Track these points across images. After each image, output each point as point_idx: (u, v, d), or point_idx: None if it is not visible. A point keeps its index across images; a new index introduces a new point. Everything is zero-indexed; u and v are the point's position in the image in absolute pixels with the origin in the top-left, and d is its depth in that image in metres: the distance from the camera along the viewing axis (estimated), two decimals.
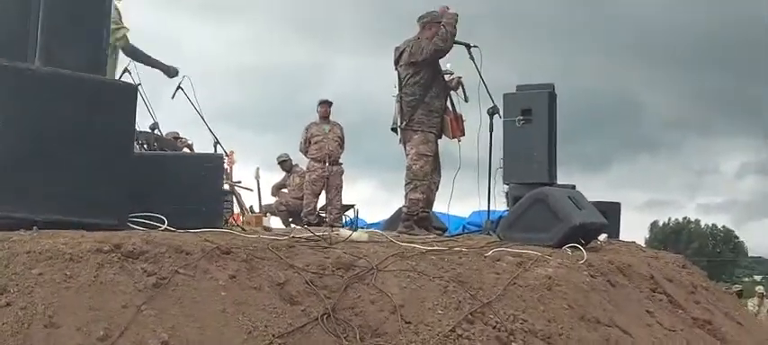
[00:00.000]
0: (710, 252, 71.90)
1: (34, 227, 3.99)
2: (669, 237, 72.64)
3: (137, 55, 7.19)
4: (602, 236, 7.90)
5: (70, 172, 4.15)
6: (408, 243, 5.33)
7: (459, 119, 7.77)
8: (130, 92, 4.46)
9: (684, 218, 74.84)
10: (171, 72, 7.50)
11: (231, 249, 4.18)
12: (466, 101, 7.97)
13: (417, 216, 7.57)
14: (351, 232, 5.14)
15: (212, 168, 5.01)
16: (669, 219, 74.92)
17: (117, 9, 7.07)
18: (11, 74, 4.05)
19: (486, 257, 5.24)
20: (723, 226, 76.03)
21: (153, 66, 7.32)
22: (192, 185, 4.90)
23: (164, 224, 4.57)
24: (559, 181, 9.59)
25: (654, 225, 74.95)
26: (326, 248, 4.73)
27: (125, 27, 7.12)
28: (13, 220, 4.00)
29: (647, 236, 73.36)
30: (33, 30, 4.26)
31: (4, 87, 4.04)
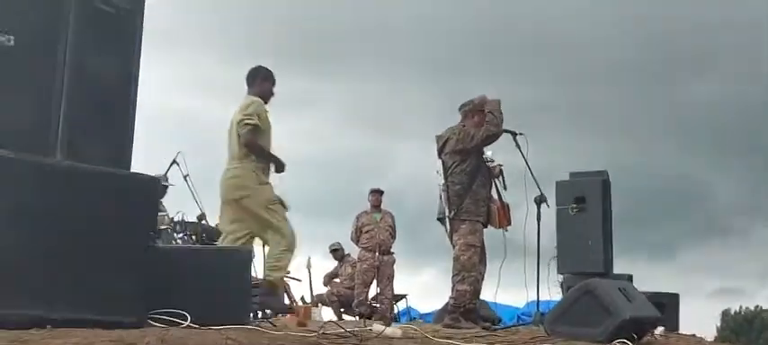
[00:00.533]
0: None
1: (48, 326, 3.87)
2: (742, 326, 70.56)
3: (253, 147, 6.98)
4: (659, 329, 7.57)
5: (87, 269, 4.04)
6: (445, 339, 5.09)
7: (505, 208, 7.59)
8: (152, 184, 4.38)
9: (756, 306, 72.64)
10: (280, 166, 7.23)
11: None
12: (505, 189, 7.79)
13: (464, 308, 7.34)
14: (384, 327, 4.93)
15: (241, 261, 4.87)
16: (741, 308, 72.78)
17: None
18: (30, 168, 3.98)
19: None
20: None
21: (267, 160, 7.09)
22: (219, 279, 4.76)
23: (186, 320, 4.42)
24: (619, 270, 9.34)
25: (725, 313, 72.87)
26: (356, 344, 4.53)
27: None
28: (27, 318, 3.89)
29: (719, 325, 71.43)
30: (55, 122, 4.21)
31: (24, 182, 3.96)
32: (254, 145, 6.94)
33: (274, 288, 7.06)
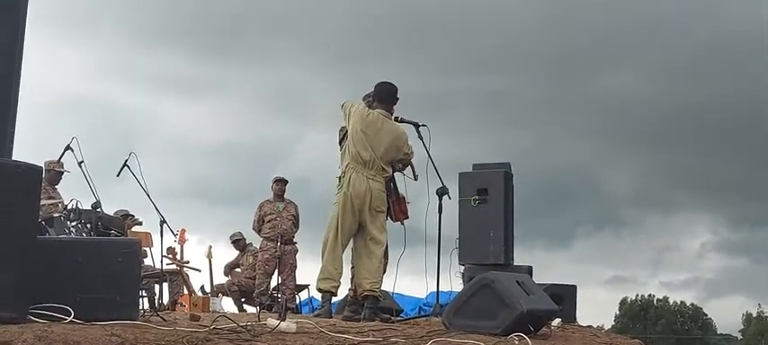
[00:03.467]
0: (679, 329, 71.84)
1: None
2: (638, 315, 72.61)
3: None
4: (557, 321, 7.64)
5: None
6: (339, 332, 5.01)
7: (401, 202, 7.54)
8: (35, 173, 4.17)
9: (650, 295, 74.81)
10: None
11: (137, 344, 3.85)
12: (414, 179, 7.76)
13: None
14: (278, 322, 4.81)
15: (129, 254, 4.67)
16: (637, 296, 74.84)
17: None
18: None
19: None
20: (691, 304, 76.04)
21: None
22: (106, 273, 4.56)
23: (70, 316, 4.23)
24: (519, 261, 9.40)
25: (623, 301, 74.89)
26: (248, 341, 4.41)
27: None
28: None
29: (618, 313, 73.35)
30: None
31: None
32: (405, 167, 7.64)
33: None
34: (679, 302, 75.61)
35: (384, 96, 7.48)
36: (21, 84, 4.42)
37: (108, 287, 4.52)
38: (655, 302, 74.81)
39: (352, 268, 7.43)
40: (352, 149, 7.25)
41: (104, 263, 4.60)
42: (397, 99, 7.51)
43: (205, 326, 4.66)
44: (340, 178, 7.35)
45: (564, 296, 8.91)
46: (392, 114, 7.41)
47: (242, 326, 4.65)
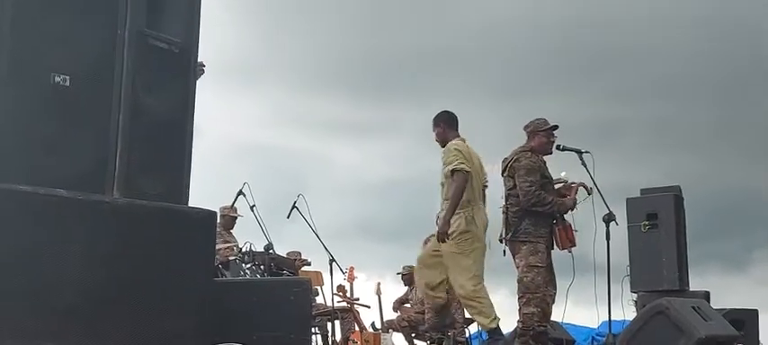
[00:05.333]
0: None
1: None
2: None
3: None
4: None
5: (147, 309, 4.03)
6: None
7: (568, 229, 7.41)
8: (209, 218, 4.36)
9: None
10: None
11: None
12: (589, 193, 7.60)
13: (533, 332, 7.20)
14: None
15: (300, 292, 4.81)
16: None
17: None
18: (87, 207, 4.00)
19: None
20: None
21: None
22: (279, 312, 4.72)
23: None
24: (693, 287, 9.11)
25: None
26: None
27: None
28: None
29: None
30: (112, 160, 4.24)
31: (82, 221, 3.98)
32: None
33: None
34: None
35: (455, 123, 7.72)
36: (194, 132, 4.67)
37: (281, 325, 4.67)
38: None
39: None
40: (476, 185, 7.46)
41: (277, 302, 4.76)
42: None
43: None
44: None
45: (745, 322, 8.55)
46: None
47: None
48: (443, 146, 7.54)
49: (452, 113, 7.73)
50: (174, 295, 4.15)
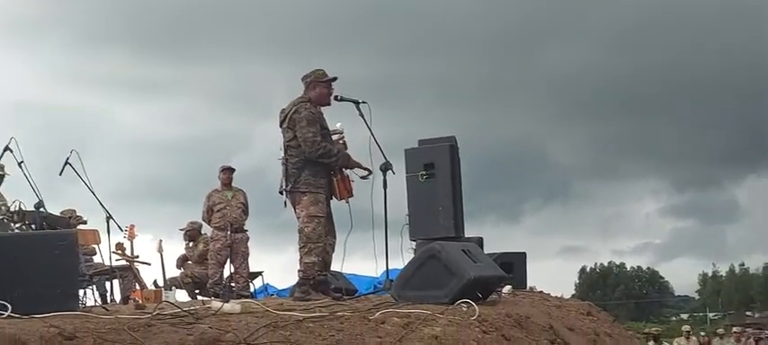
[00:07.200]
0: (637, 293, 72.94)
1: None
2: (597, 282, 73.61)
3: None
4: (507, 288, 7.71)
5: None
6: (285, 311, 5.00)
7: (346, 180, 7.49)
8: None
9: (610, 262, 75.84)
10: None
11: (76, 334, 3.81)
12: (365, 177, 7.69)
13: (314, 281, 7.25)
14: (222, 304, 4.79)
15: (65, 246, 4.61)
16: (596, 264, 75.82)
17: None
18: None
19: (370, 320, 4.96)
20: (648, 268, 77.20)
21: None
22: (43, 267, 4.50)
23: (7, 310, 4.17)
24: (469, 234, 9.43)
25: (582, 270, 75.84)
26: (191, 324, 4.38)
27: None
28: None
29: (577, 282, 74.29)
30: None
31: None
32: None
33: None
34: (636, 267, 76.77)
35: None
36: None
37: (46, 280, 4.46)
38: (614, 269, 75.87)
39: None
40: None
41: (41, 257, 4.54)
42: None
43: (148, 313, 4.63)
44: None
45: (514, 264, 8.99)
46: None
47: (185, 310, 4.62)
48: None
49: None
50: None
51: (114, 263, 10.34)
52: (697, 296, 73.45)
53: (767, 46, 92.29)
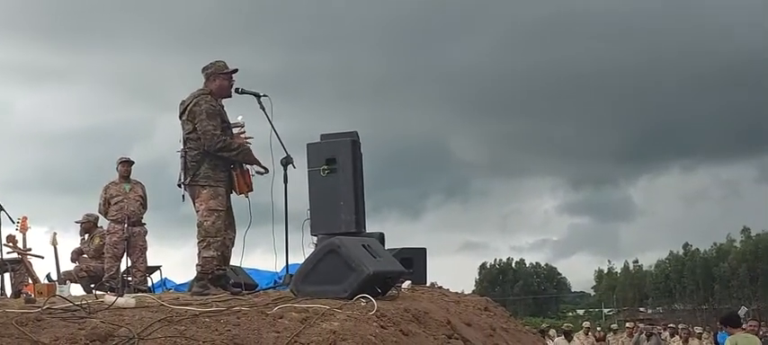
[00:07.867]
0: (536, 289, 74.48)
1: None
2: (497, 278, 74.92)
3: None
4: (407, 283, 7.78)
5: None
6: (181, 305, 4.93)
7: (245, 174, 7.43)
8: None
9: (509, 259, 77.24)
10: None
11: None
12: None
13: (212, 275, 7.17)
14: (116, 298, 4.69)
15: None
16: (495, 260, 77.09)
17: None
18: None
19: (268, 315, 4.93)
20: (546, 264, 78.89)
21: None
22: None
23: None
24: (371, 229, 9.46)
25: (482, 266, 77.02)
26: (83, 318, 4.28)
27: None
28: None
29: (477, 278, 75.42)
30: None
31: None
32: None
33: None
34: (535, 263, 78.36)
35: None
36: None
37: None
38: (513, 265, 77.26)
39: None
40: None
41: None
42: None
43: (38, 307, 4.50)
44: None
45: (414, 260, 9.08)
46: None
47: (77, 304, 4.51)
48: None
49: None
50: None
51: (5, 256, 10.05)
52: (593, 292, 75.40)
53: (664, 48, 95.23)
